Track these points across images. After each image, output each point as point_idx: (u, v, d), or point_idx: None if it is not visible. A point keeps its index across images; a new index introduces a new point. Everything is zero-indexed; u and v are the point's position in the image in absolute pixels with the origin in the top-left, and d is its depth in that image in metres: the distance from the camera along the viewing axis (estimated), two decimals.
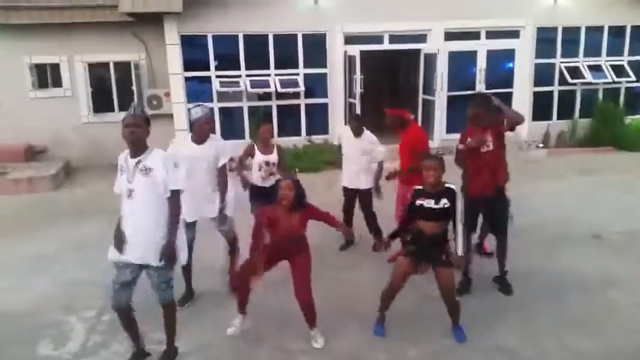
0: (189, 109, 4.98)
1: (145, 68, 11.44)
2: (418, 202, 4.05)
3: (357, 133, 5.91)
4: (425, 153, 4.99)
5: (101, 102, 11.55)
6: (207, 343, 4.31)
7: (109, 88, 11.58)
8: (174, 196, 3.70)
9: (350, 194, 6.18)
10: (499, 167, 4.82)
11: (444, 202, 3.97)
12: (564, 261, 5.67)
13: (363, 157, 5.95)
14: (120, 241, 3.70)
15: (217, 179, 4.85)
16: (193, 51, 10.59)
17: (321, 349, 4.16)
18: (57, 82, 11.37)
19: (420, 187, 4.09)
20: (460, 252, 4.04)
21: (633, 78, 12.08)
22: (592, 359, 3.95)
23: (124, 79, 11.54)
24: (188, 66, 10.55)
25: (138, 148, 3.67)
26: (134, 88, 11.47)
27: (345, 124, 5.70)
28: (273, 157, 5.65)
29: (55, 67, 11.32)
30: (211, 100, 10.55)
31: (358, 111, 10.97)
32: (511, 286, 4.97)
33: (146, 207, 3.64)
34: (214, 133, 5.05)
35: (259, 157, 5.60)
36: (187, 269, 4.89)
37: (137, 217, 3.66)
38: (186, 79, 10.59)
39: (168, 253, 3.68)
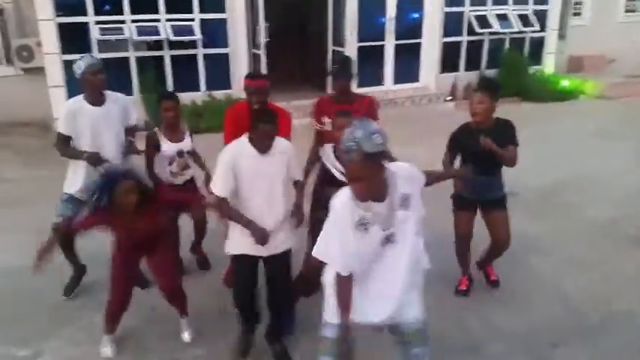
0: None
1: (11, 13, 9.76)
2: None
3: (268, 146, 3.20)
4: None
5: None
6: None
7: None
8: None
9: (252, 265, 3.37)
10: None
11: None
12: (481, 225, 5.20)
13: (283, 182, 3.37)
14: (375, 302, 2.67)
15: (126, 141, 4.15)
16: None
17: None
18: None
19: None
20: None
21: (537, 27, 12.10)
22: (516, 336, 3.66)
23: None
24: (62, 10, 9.05)
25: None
26: None
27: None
28: (187, 145, 4.32)
29: None
30: (90, 50, 9.14)
31: (263, 63, 10.12)
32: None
33: (408, 249, 2.65)
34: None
35: (168, 148, 4.23)
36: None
37: (399, 265, 2.65)
38: (60, 25, 9.12)
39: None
